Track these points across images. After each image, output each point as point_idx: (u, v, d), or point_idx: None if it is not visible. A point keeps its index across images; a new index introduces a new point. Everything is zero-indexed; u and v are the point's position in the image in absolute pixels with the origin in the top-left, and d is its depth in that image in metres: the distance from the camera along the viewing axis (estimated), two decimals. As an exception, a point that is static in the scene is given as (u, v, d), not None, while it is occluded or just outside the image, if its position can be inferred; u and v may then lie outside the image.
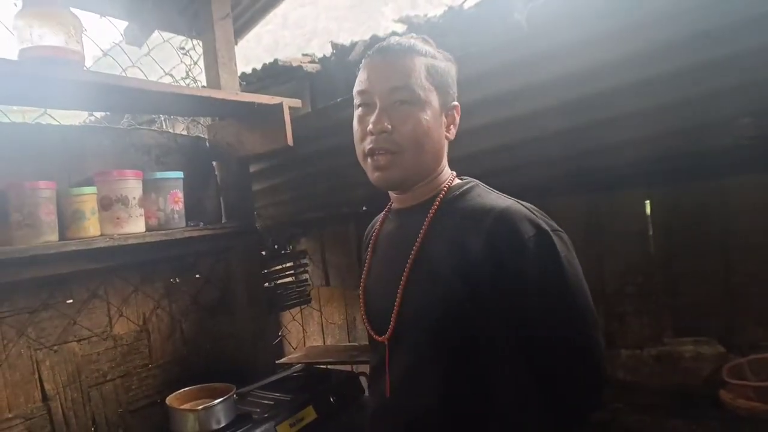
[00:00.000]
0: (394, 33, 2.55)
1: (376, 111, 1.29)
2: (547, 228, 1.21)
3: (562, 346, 1.23)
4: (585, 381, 1.27)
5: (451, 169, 1.46)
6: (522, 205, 1.27)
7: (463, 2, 2.41)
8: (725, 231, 2.56)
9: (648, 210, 2.85)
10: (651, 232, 2.84)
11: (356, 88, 1.35)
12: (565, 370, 1.25)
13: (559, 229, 1.27)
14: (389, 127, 1.27)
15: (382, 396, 1.38)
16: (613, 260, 2.91)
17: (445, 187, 1.36)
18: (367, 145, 1.31)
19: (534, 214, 1.25)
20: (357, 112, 1.35)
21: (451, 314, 1.23)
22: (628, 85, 2.06)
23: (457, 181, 1.40)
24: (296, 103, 2.37)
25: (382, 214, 1.56)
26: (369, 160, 1.32)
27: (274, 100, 2.27)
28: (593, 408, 1.38)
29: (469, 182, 1.39)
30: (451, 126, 1.38)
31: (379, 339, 1.36)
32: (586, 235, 2.94)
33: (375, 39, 2.63)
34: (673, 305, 2.81)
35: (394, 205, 1.48)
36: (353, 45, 2.72)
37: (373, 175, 1.34)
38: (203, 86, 2.55)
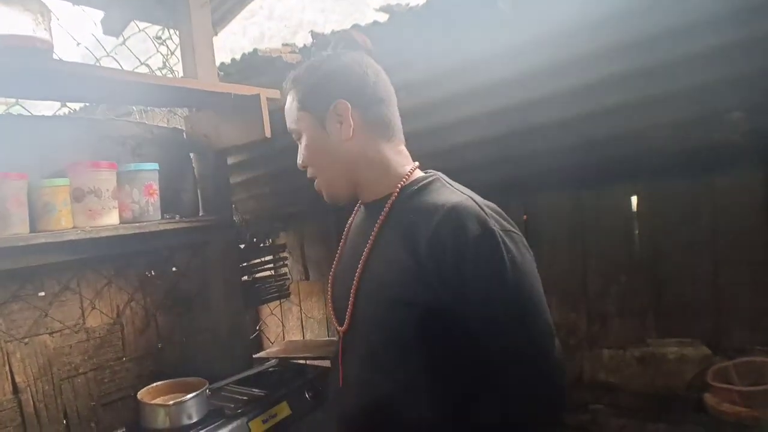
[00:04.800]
0: (376, 23, 2.51)
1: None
2: (494, 227, 1.18)
3: (508, 348, 1.20)
4: (534, 391, 1.22)
5: (430, 161, 1.46)
6: (475, 201, 1.24)
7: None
8: (714, 230, 2.52)
9: (634, 207, 2.80)
10: (637, 230, 2.80)
11: None
12: (512, 378, 1.22)
13: (512, 229, 1.24)
14: (301, 162, 1.42)
15: (336, 387, 1.42)
16: (597, 258, 2.86)
17: (400, 182, 1.35)
18: None
19: (484, 211, 1.21)
20: None
21: (400, 310, 1.23)
22: (616, 77, 2.03)
23: (418, 174, 1.39)
24: (274, 93, 2.33)
25: (357, 205, 1.56)
26: None
27: (251, 90, 2.24)
28: (549, 421, 1.28)
29: (429, 177, 1.36)
30: (342, 127, 1.34)
31: (339, 329, 1.39)
32: (569, 233, 2.91)
33: (356, 28, 2.60)
34: (658, 306, 2.75)
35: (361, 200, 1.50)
36: (334, 34, 2.69)
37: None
38: (180, 77, 2.52)
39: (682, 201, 2.63)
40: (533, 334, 1.20)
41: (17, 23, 1.55)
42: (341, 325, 1.38)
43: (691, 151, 2.24)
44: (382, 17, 2.53)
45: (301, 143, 1.41)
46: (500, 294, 1.17)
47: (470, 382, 1.25)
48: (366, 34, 2.49)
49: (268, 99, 2.27)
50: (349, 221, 1.57)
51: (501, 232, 1.18)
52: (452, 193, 1.29)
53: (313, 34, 2.81)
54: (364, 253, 1.33)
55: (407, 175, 1.36)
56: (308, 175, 1.43)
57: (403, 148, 1.43)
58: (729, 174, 2.43)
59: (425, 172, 1.40)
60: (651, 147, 2.25)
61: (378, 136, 1.37)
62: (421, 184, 1.33)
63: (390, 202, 1.33)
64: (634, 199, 2.81)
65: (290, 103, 1.40)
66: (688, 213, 2.62)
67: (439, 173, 1.39)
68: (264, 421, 2.02)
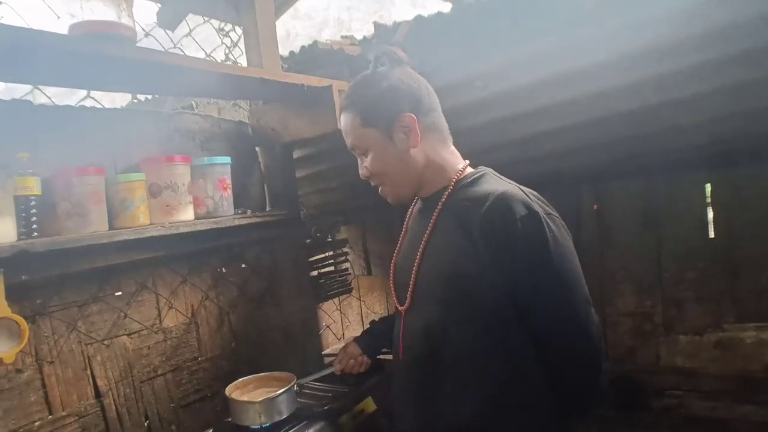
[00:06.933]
0: (440, 13, 2.43)
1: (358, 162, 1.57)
2: (538, 210, 1.34)
3: (551, 316, 1.37)
4: (577, 356, 1.40)
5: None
6: (521, 189, 1.41)
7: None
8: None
9: (708, 193, 2.77)
10: (711, 216, 2.78)
11: None
12: (556, 342, 1.39)
13: (553, 213, 1.41)
14: (366, 173, 1.55)
15: (396, 358, 1.63)
16: (672, 245, 2.89)
17: (455, 177, 1.51)
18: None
19: (529, 197, 1.38)
20: None
21: (456, 283, 1.40)
22: (696, 66, 1.97)
23: (469, 170, 1.55)
24: (342, 85, 2.27)
25: (415, 199, 1.71)
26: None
27: (322, 82, 2.16)
28: (591, 388, 1.46)
29: (480, 171, 1.53)
30: (409, 137, 1.47)
31: (400, 309, 1.57)
32: (643, 220, 2.91)
33: (419, 19, 2.51)
34: (734, 291, 2.76)
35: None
36: (396, 26, 2.60)
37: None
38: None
39: (757, 186, 2.62)
40: (573, 301, 1.37)
41: (102, 9, 1.49)
42: (402, 304, 1.56)
43: (764, 138, 2.20)
44: (446, 7, 2.44)
45: (366, 157, 1.52)
46: (544, 266, 1.34)
47: (519, 349, 1.40)
48: (429, 25, 2.45)
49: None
50: (408, 213, 1.74)
51: (544, 215, 1.35)
52: (500, 183, 1.46)
53: (376, 25, 2.74)
54: (424, 237, 1.50)
55: (461, 171, 1.53)
56: (373, 184, 1.57)
57: (454, 148, 1.59)
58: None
59: (476, 168, 1.56)
60: (727, 134, 2.19)
61: (435, 141, 1.53)
62: (473, 177, 1.50)
63: (447, 193, 1.50)
64: (707, 187, 2.78)
65: (351, 122, 1.51)
66: (763, 198, 2.60)
67: (489, 169, 1.55)
68: (353, 417, 1.95)
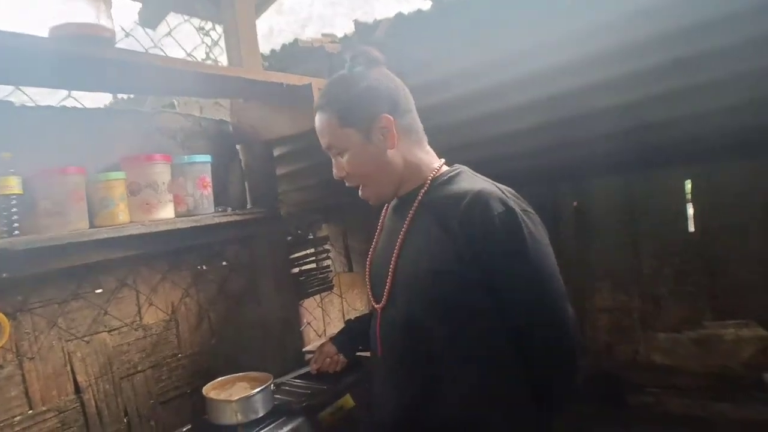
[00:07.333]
0: (419, 10, 2.47)
1: (333, 162, 1.56)
2: (514, 207, 1.37)
3: (529, 310, 1.39)
4: (554, 350, 1.42)
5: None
6: (497, 187, 1.44)
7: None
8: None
9: (688, 189, 2.80)
10: (691, 212, 2.80)
11: None
12: (534, 336, 1.41)
13: (529, 210, 1.43)
14: (342, 173, 1.53)
15: (374, 355, 1.63)
16: (650, 241, 2.90)
17: (430, 175, 1.52)
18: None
19: (506, 194, 1.41)
20: None
21: (436, 278, 1.40)
22: (674, 63, 1.99)
23: (444, 168, 1.57)
24: (323, 83, 2.29)
25: None
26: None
27: (302, 80, 2.18)
28: (568, 382, 1.47)
29: (456, 169, 1.55)
30: (387, 138, 1.47)
31: (377, 306, 1.57)
32: (621, 216, 2.92)
33: (400, 17, 2.55)
34: (713, 287, 2.77)
35: None
36: (377, 24, 2.64)
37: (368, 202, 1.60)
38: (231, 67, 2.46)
39: (737, 182, 2.63)
40: (550, 294, 1.40)
41: (81, 11, 1.50)
42: (378, 302, 1.56)
43: (750, 131, 2.21)
44: (426, 5, 2.47)
45: (342, 157, 1.51)
46: (521, 261, 1.36)
47: (498, 343, 1.42)
48: (409, 22, 2.48)
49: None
50: (383, 212, 1.74)
51: (520, 211, 1.38)
52: (477, 181, 1.48)
53: (356, 23, 2.76)
54: (400, 235, 1.50)
55: (437, 169, 1.55)
56: (348, 184, 1.56)
57: (429, 148, 1.60)
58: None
59: (452, 167, 1.57)
60: (704, 131, 2.22)
61: (411, 142, 1.54)
62: (449, 175, 1.52)
63: (423, 191, 1.51)
64: (687, 183, 2.81)
65: (326, 122, 1.50)
66: (743, 194, 2.62)
67: (464, 167, 1.57)
68: (332, 414, 1.98)
